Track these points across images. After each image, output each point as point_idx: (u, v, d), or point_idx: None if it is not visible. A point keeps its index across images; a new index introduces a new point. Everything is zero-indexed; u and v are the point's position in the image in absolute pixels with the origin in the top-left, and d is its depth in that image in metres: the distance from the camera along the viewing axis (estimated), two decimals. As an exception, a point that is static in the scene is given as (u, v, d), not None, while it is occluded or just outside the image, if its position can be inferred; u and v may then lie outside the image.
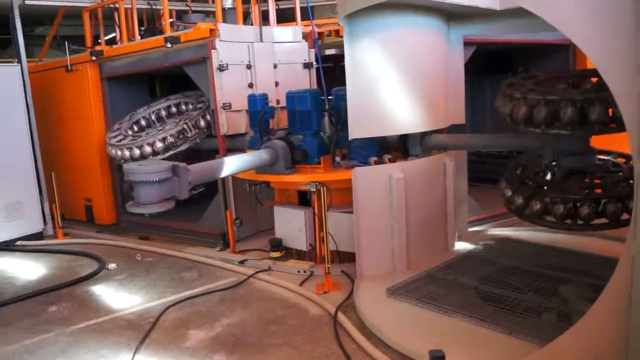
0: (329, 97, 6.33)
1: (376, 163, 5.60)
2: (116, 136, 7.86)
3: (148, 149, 7.22)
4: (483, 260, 5.61)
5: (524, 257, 5.58)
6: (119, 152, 7.52)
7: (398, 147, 5.90)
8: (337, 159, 6.06)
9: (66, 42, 8.80)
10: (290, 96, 6.24)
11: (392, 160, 5.66)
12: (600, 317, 3.16)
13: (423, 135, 5.76)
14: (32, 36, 15.42)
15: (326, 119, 6.24)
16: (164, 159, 6.89)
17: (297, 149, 6.00)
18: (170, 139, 7.22)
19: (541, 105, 4.01)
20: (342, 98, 5.94)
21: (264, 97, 6.52)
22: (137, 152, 7.31)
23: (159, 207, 4.52)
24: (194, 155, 7.57)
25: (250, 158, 5.80)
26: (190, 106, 7.78)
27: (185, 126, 7.27)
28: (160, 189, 4.43)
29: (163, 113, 8.07)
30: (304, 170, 6.04)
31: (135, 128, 8.09)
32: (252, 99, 6.54)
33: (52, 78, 9.05)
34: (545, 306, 4.38)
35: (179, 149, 7.28)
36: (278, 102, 7.15)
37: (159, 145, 7.21)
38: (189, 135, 7.29)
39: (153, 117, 8.11)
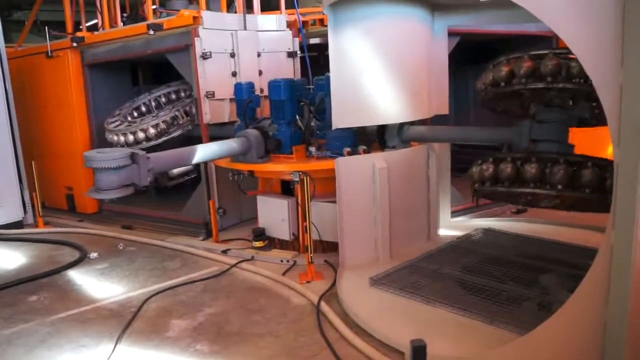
0: (311, 87, 6.34)
1: (349, 154, 5.62)
2: (114, 122, 7.94)
3: (141, 135, 7.41)
4: (465, 250, 5.65)
5: (506, 247, 5.63)
6: (115, 137, 7.67)
7: (376, 138, 5.92)
8: (313, 149, 6.08)
9: (46, 28, 8.66)
10: (269, 85, 6.27)
11: (366, 151, 5.69)
12: (580, 307, 3.20)
13: (401, 126, 5.78)
14: (10, 21, 15.16)
15: (305, 108, 6.25)
16: (157, 145, 7.22)
17: (271, 139, 6.05)
18: (162, 125, 7.39)
19: (549, 58, 4.01)
20: (321, 87, 5.96)
21: (250, 85, 6.52)
22: (131, 137, 7.49)
23: (117, 193, 4.58)
24: (190, 142, 7.57)
25: (219, 147, 5.82)
26: (189, 93, 7.81)
27: (177, 113, 7.41)
28: (118, 175, 4.51)
29: (163, 100, 8.05)
30: (276, 160, 6.08)
31: (135, 114, 8.11)
32: (238, 87, 6.54)
33: (32, 64, 8.89)
34: (526, 296, 4.43)
35: (171, 136, 7.43)
36: (262, 90, 7.11)
37: (152, 131, 7.39)
38: (180, 122, 7.41)
39: (153, 103, 8.11)
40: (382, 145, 5.92)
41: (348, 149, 5.70)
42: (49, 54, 8.49)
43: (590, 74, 3.01)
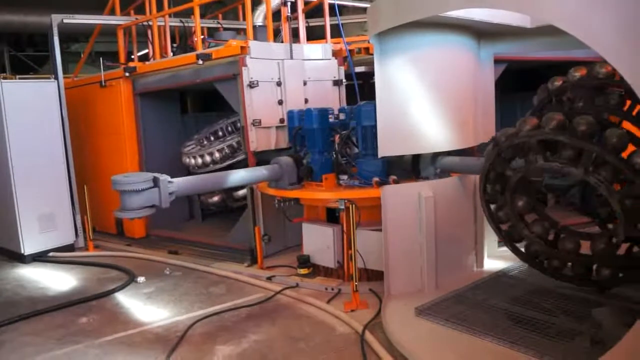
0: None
1: (377, 184, 5.61)
2: (190, 145, 8.45)
3: (208, 158, 7.97)
4: (513, 281, 5.52)
5: (556, 279, 5.47)
6: (186, 159, 8.26)
7: (410, 167, 5.88)
8: (345, 177, 6.12)
9: (100, 59, 9.01)
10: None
11: (396, 181, 5.64)
12: (637, 344, 3.07)
13: (434, 156, 5.72)
14: (68, 52, 15.85)
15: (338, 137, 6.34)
16: (222, 168, 7.77)
17: (303, 166, 6.21)
18: (226, 150, 7.86)
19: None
20: (354, 116, 6.05)
21: (301, 113, 6.61)
22: (199, 160, 8.06)
23: (139, 213, 4.95)
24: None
25: (248, 174, 6.07)
26: None
27: (240, 139, 7.73)
28: (140, 197, 4.87)
29: (238, 125, 8.26)
30: (308, 187, 6.21)
31: (212, 138, 8.52)
32: (290, 114, 6.66)
33: (86, 93, 9.25)
34: (577, 330, 4.28)
35: (235, 159, 7.83)
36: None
37: (217, 155, 7.93)
38: (242, 147, 7.67)
39: (229, 128, 8.49)
40: (417, 175, 5.87)
41: (376, 179, 5.70)
42: (103, 83, 8.81)
43: (644, 102, 2.95)
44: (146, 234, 8.92)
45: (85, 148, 9.34)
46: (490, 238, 6.34)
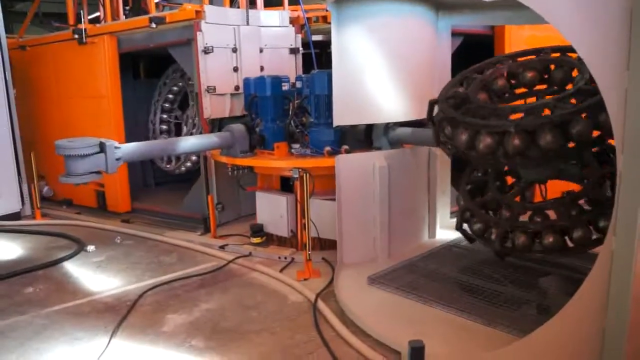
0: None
1: (329, 153, 5.62)
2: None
3: None
4: (464, 251, 5.63)
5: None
6: None
7: (363, 138, 5.89)
8: (297, 146, 6.10)
9: (81, 12, 8.43)
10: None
11: (347, 151, 5.66)
12: (579, 311, 3.17)
13: (387, 127, 5.73)
14: (12, 12, 15.11)
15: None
16: None
17: (255, 134, 6.18)
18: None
19: None
20: (307, 85, 6.06)
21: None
22: None
23: (84, 178, 4.92)
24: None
25: (199, 140, 6.08)
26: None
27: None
28: (85, 163, 4.86)
29: (170, 97, 8.46)
30: (260, 156, 6.19)
31: (164, 127, 8.51)
32: (247, 82, 6.53)
33: (58, 52, 8.58)
34: (524, 298, 4.40)
35: None
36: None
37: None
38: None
39: (167, 105, 8.62)
40: (369, 146, 5.87)
41: (328, 148, 5.70)
42: (83, 39, 7.97)
43: (595, 77, 2.98)
44: (131, 209, 8.21)
45: (55, 112, 8.72)
46: (443, 209, 6.43)
